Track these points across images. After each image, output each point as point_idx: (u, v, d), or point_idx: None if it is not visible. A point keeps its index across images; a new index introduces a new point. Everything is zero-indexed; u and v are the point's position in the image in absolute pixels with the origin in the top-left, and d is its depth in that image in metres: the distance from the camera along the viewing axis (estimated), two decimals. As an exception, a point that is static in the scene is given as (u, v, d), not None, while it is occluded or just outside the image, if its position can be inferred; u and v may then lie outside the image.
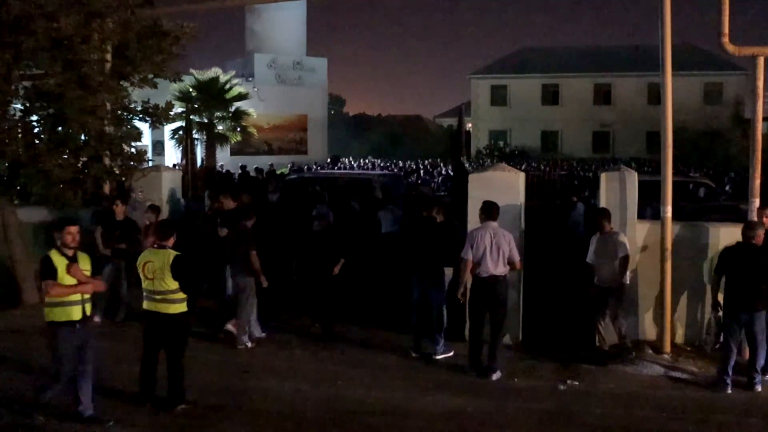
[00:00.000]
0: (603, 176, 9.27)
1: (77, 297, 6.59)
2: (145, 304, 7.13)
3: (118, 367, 8.03)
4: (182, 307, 7.02)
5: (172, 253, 6.96)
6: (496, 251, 8.09)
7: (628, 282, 8.77)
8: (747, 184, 9.17)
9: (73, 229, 6.65)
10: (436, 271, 8.80)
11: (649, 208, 10.62)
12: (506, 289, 8.29)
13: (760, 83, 8.88)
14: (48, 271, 6.51)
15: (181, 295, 6.98)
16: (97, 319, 10.29)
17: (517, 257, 8.27)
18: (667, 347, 8.81)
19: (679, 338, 9.09)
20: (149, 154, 12.69)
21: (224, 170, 25.90)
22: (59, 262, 6.56)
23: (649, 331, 9.10)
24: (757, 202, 8.85)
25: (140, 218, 10.67)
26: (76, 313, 6.61)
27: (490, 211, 8.29)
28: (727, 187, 20.01)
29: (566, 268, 10.03)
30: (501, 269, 8.13)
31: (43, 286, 6.56)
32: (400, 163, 37.99)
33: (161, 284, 6.90)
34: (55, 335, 6.57)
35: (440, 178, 26.33)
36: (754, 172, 8.96)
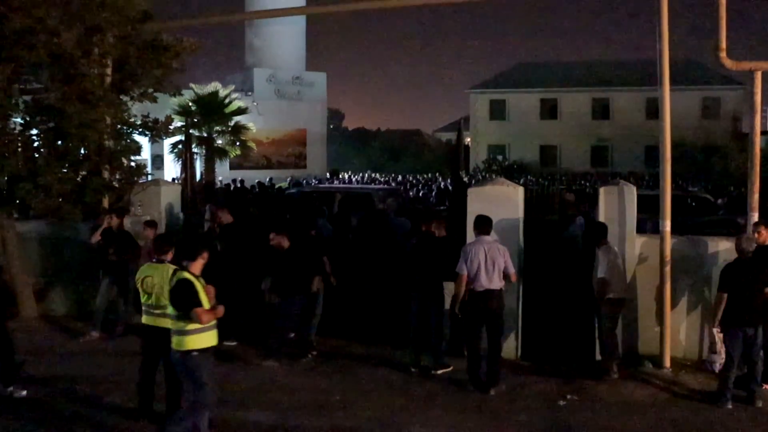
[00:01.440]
0: (602, 190, 9.27)
1: (213, 320, 6.31)
2: (144, 319, 7.12)
3: (116, 382, 8.00)
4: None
5: (171, 267, 6.94)
6: (491, 265, 8.07)
7: (622, 297, 8.68)
8: (742, 198, 9.16)
9: (207, 254, 6.46)
10: (435, 285, 8.77)
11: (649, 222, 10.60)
12: (502, 303, 8.26)
13: (758, 98, 8.91)
14: (195, 297, 6.14)
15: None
16: (95, 333, 10.32)
17: (512, 270, 8.25)
18: (667, 361, 8.79)
19: (679, 352, 9.07)
20: (148, 168, 12.68)
21: (222, 184, 25.86)
22: (198, 285, 6.21)
23: (649, 345, 9.07)
24: (755, 216, 8.84)
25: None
26: (214, 338, 6.32)
27: (482, 225, 8.29)
28: (719, 201, 19.99)
29: (566, 282, 10.00)
30: (496, 283, 8.12)
31: (193, 315, 6.09)
32: (400, 177, 38.01)
33: (160, 299, 6.87)
34: (198, 363, 6.22)
35: (435, 193, 26.13)
36: (752, 186, 8.98)
